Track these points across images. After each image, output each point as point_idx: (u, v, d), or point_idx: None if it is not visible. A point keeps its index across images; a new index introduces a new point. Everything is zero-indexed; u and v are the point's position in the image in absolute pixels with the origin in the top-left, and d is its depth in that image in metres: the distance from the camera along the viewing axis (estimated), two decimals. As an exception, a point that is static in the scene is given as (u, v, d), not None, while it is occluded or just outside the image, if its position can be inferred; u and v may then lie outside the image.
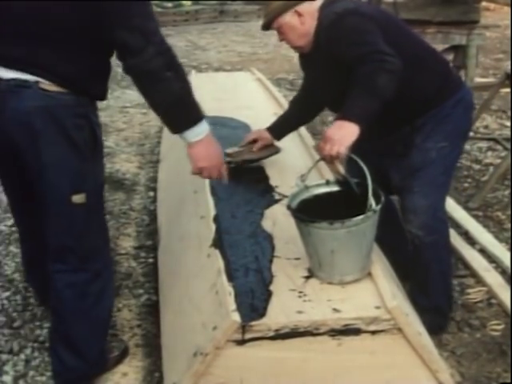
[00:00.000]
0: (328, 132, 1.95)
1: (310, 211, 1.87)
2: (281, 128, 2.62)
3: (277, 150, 2.67)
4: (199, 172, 2.03)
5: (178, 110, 1.86)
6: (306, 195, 1.99)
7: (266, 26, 2.26)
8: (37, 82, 1.78)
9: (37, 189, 1.92)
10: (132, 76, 1.81)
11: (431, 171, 2.25)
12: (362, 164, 1.84)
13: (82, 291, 2.01)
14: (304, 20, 2.18)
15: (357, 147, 2.29)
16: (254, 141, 2.62)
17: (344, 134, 1.93)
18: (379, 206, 1.84)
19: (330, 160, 1.97)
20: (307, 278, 1.90)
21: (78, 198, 1.87)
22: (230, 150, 2.61)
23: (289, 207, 1.93)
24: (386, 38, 2.04)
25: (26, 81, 1.78)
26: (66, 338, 2.06)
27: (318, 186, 2.04)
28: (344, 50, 2.04)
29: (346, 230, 1.79)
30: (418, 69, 2.19)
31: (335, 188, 2.02)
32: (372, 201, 1.80)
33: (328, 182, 2.03)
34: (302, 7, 2.17)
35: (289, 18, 2.18)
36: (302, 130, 2.97)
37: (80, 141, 1.86)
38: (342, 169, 1.98)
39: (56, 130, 1.81)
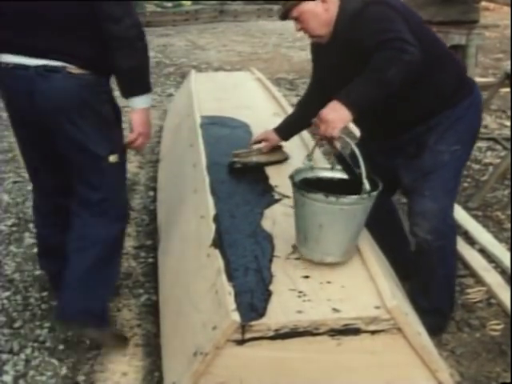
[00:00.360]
0: (323, 112, 1.95)
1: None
2: (288, 128, 2.61)
3: (286, 157, 2.67)
4: (136, 138, 2.22)
5: (139, 76, 2.14)
6: (309, 174, 2.07)
7: (285, 15, 2.17)
8: (64, 67, 2.04)
9: (75, 156, 2.17)
10: (110, 39, 2.04)
11: (443, 174, 2.22)
12: (355, 149, 1.88)
13: (112, 244, 2.29)
14: (328, 7, 2.11)
15: (366, 146, 2.29)
16: (262, 141, 2.62)
17: (337, 117, 1.93)
18: (375, 193, 1.88)
19: (325, 139, 2.00)
20: (307, 277, 1.91)
21: (113, 158, 2.19)
22: (237, 151, 2.62)
23: (290, 177, 1.98)
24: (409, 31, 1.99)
25: (54, 66, 2.03)
26: (79, 279, 2.21)
27: (323, 169, 2.12)
28: (366, 37, 1.98)
29: (339, 207, 1.86)
30: (436, 67, 2.17)
31: (338, 175, 2.07)
32: (367, 184, 1.86)
33: (333, 168, 2.08)
34: None
35: (313, 5, 2.11)
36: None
37: (106, 113, 2.17)
38: (338, 146, 2.01)
39: (87, 107, 2.09)
